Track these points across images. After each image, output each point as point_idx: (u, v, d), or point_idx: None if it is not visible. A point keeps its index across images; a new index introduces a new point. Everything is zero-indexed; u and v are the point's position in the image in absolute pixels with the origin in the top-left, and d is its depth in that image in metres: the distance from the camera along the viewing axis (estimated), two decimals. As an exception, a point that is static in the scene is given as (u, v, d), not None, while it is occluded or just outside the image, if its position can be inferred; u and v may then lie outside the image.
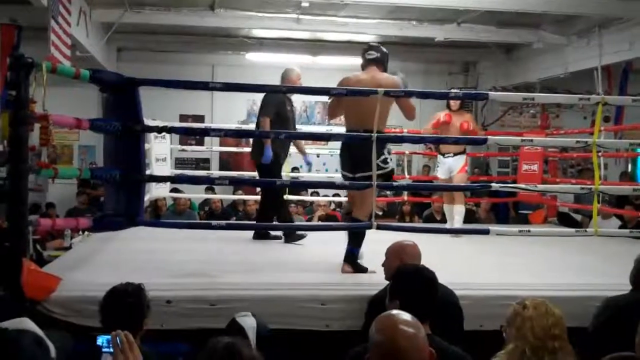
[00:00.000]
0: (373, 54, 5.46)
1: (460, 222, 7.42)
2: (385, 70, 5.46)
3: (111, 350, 2.43)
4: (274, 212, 6.68)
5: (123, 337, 2.33)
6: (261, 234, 6.58)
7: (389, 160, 5.18)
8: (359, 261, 5.06)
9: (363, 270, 4.99)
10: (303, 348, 4.10)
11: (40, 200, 10.93)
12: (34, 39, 7.68)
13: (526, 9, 9.35)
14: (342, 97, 5.27)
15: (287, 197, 9.47)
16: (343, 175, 5.37)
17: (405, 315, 2.25)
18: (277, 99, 6.54)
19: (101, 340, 2.72)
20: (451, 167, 7.55)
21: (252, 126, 8.03)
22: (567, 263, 5.77)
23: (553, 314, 2.79)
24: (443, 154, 7.66)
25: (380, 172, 5.00)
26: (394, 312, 2.31)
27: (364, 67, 5.48)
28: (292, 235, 6.42)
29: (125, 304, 3.20)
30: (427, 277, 3.04)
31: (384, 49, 5.54)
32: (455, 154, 7.52)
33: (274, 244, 6.44)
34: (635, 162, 13.98)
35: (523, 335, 2.75)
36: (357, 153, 5.15)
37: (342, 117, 5.49)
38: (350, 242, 5.11)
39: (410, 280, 3.02)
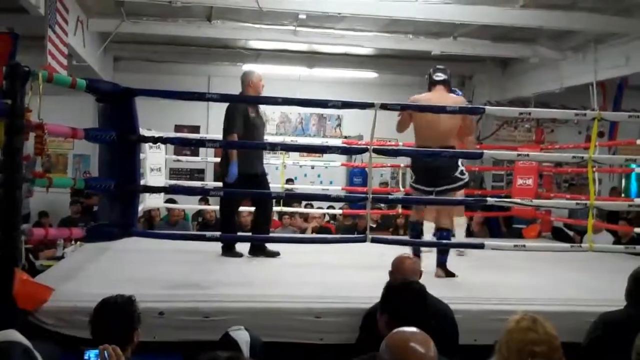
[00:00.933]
0: (441, 76, 5.84)
1: (463, 236, 7.19)
2: (450, 89, 5.88)
3: None
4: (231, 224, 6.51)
5: (111, 352, 2.32)
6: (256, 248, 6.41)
7: (465, 171, 5.74)
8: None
9: (452, 275, 5.48)
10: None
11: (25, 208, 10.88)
12: (30, 47, 7.67)
13: (522, 23, 9.38)
14: (414, 114, 5.65)
15: (281, 208, 9.50)
16: (417, 189, 5.81)
17: (417, 334, 2.23)
18: (241, 110, 6.25)
19: (88, 354, 2.68)
20: None
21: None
22: (561, 278, 5.76)
23: (537, 330, 2.69)
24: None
25: (460, 183, 5.62)
26: (406, 329, 2.28)
27: (430, 87, 5.84)
28: (262, 249, 6.33)
29: (115, 316, 3.13)
30: (415, 291, 3.01)
31: (448, 70, 5.93)
32: None
33: (264, 258, 6.34)
34: (629, 178, 14.02)
35: (499, 349, 2.73)
36: (434, 168, 5.59)
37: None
38: (439, 252, 5.61)
39: (398, 294, 3.00)
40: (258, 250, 6.33)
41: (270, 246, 6.39)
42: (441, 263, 5.56)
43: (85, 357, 2.65)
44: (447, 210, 5.87)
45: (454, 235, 6.18)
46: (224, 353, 2.17)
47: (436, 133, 5.57)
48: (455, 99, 5.76)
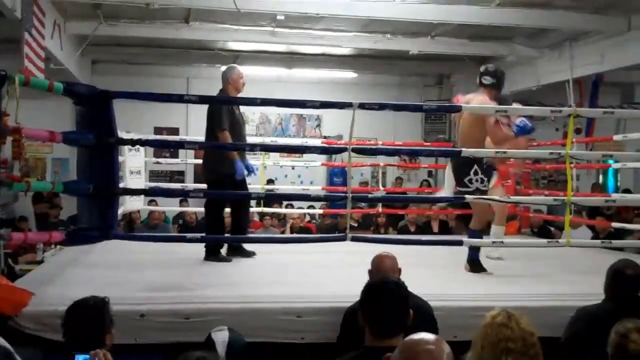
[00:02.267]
0: (488, 80, 5.82)
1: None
2: (499, 91, 5.89)
3: None
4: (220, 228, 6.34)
5: (102, 357, 2.32)
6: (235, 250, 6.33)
7: (474, 180, 5.59)
8: None
9: (483, 270, 5.65)
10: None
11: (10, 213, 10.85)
12: (7, 51, 7.63)
13: (498, 22, 9.46)
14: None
15: (262, 209, 9.50)
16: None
17: (431, 339, 2.21)
18: (225, 107, 6.13)
19: (79, 358, 2.67)
20: None
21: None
22: (540, 273, 5.82)
23: (511, 327, 2.66)
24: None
25: (465, 189, 5.54)
26: (419, 335, 2.27)
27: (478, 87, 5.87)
28: (240, 250, 6.28)
29: (87, 318, 3.08)
30: (391, 290, 3.01)
31: (500, 72, 5.89)
32: None
33: (245, 259, 6.32)
34: (606, 174, 14.17)
35: (474, 345, 2.74)
36: (454, 170, 5.72)
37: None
38: (471, 248, 5.73)
39: (373, 293, 3.01)
40: (236, 250, 6.27)
41: (247, 246, 6.36)
42: (471, 259, 5.75)
43: None
44: (474, 212, 6.02)
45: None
46: (195, 353, 2.18)
47: (459, 134, 5.78)
48: (476, 99, 5.79)
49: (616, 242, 6.27)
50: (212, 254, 6.09)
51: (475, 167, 5.54)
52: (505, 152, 5.24)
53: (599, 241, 6.99)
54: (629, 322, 2.97)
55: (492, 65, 5.90)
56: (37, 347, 3.71)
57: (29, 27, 7.31)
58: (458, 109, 5.72)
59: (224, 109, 6.09)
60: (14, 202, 11.22)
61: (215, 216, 6.29)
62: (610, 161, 9.15)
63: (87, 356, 2.52)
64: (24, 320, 3.91)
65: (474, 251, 5.79)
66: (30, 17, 7.38)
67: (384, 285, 3.06)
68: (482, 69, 5.91)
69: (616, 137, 8.34)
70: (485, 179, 5.60)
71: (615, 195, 9.30)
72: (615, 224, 7.94)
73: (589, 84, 11.51)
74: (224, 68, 6.48)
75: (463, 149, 5.45)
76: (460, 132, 5.79)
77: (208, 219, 6.39)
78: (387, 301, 2.92)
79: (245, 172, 6.14)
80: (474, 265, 5.72)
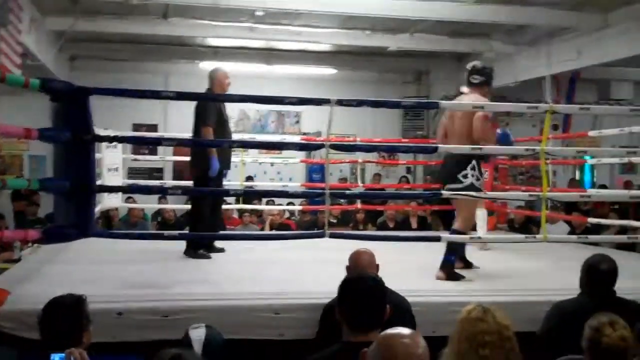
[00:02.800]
0: (477, 79, 5.65)
1: (484, 229, 7.16)
2: (490, 86, 5.73)
3: None
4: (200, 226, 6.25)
5: (77, 355, 2.31)
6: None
7: (468, 175, 5.44)
8: None
9: (458, 278, 5.24)
10: (258, 358, 4.11)
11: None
12: (-18, 47, 7.55)
13: (477, 19, 9.52)
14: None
15: (241, 206, 9.49)
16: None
17: (407, 333, 2.25)
18: (215, 105, 6.20)
19: (54, 358, 2.65)
20: None
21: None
22: (517, 268, 5.87)
23: (487, 320, 2.71)
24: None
25: (457, 185, 5.38)
26: (396, 329, 2.31)
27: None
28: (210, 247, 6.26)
29: (64, 316, 3.06)
30: (368, 286, 3.02)
31: (488, 68, 5.73)
32: None
33: (223, 256, 6.30)
34: (583, 169, 14.31)
35: (452, 339, 2.78)
36: (440, 168, 5.74)
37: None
38: (447, 251, 5.35)
39: (350, 289, 3.02)
40: (207, 247, 6.25)
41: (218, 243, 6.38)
42: (444, 263, 5.33)
43: None
44: (458, 211, 5.74)
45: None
46: (171, 350, 2.18)
47: (451, 133, 5.62)
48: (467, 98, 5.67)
49: (592, 237, 6.33)
50: (192, 250, 6.08)
51: (473, 162, 5.47)
52: (481, 149, 5.25)
53: (575, 236, 7.07)
54: (603, 316, 3.02)
55: (479, 63, 5.72)
56: (13, 346, 3.69)
57: (5, 22, 7.25)
58: (435, 106, 5.74)
59: (210, 106, 6.12)
60: None
61: (197, 212, 6.29)
62: (587, 157, 9.25)
63: (63, 355, 2.50)
64: (0, 319, 3.88)
65: (450, 255, 5.36)
66: (7, 12, 7.31)
67: (361, 281, 3.08)
68: (469, 67, 5.74)
69: (591, 133, 8.42)
70: (480, 175, 5.52)
71: (590, 191, 9.40)
72: (591, 219, 8.03)
73: (566, 80, 11.61)
74: (202, 64, 6.48)
75: (440, 145, 5.46)
76: (451, 130, 5.62)
77: (190, 215, 6.40)
78: (363, 297, 2.93)
79: (216, 173, 6.10)
80: (449, 273, 5.27)
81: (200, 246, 6.16)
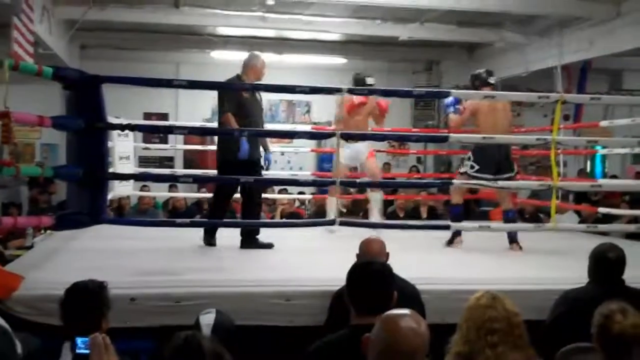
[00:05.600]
0: (476, 84, 6.26)
1: (377, 214, 7.44)
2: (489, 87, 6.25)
3: (87, 351, 2.43)
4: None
5: (100, 340, 2.34)
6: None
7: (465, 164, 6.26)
8: None
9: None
10: (268, 344, 4.14)
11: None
12: (-5, 36, 7.61)
13: (487, 8, 9.49)
14: (478, 114, 6.16)
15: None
16: (482, 178, 6.07)
17: (409, 313, 2.30)
18: (234, 92, 6.04)
19: (79, 341, 2.69)
20: (358, 152, 7.04)
21: (216, 124, 7.36)
22: (526, 257, 5.88)
23: (495, 307, 2.74)
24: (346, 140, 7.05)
25: (514, 172, 6.24)
26: (398, 310, 2.35)
27: (481, 88, 6.22)
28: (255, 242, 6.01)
29: (86, 300, 3.12)
30: (375, 271, 3.06)
31: (480, 74, 6.33)
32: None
33: (234, 243, 6.30)
34: (594, 160, 14.26)
35: (460, 326, 2.80)
36: (499, 160, 6.12)
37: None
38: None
39: (358, 273, 3.07)
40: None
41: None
42: (512, 238, 6.14)
43: (76, 344, 2.64)
44: (505, 196, 6.49)
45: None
46: (185, 333, 2.22)
47: (501, 128, 6.06)
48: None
49: (602, 227, 6.34)
50: (250, 241, 5.90)
51: (470, 153, 5.91)
52: (493, 138, 5.27)
53: (584, 225, 7.06)
54: (612, 303, 3.02)
55: (475, 71, 6.41)
56: (33, 333, 3.73)
57: (17, 12, 7.28)
58: (446, 95, 5.76)
59: (228, 92, 6.00)
60: (17, 186, 11.27)
61: (217, 201, 6.22)
62: (598, 147, 9.22)
63: (87, 339, 2.54)
64: (14, 304, 3.93)
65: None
66: (20, 1, 7.35)
67: (369, 266, 3.12)
68: (483, 72, 6.31)
69: (603, 124, 8.40)
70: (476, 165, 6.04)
71: (601, 181, 9.38)
72: (602, 209, 8.01)
73: (577, 70, 11.56)
74: (214, 53, 6.48)
75: (451, 134, 5.49)
76: (500, 125, 6.12)
77: (211, 204, 6.32)
78: (371, 281, 2.97)
79: (247, 156, 5.93)
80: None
81: (255, 235, 5.98)
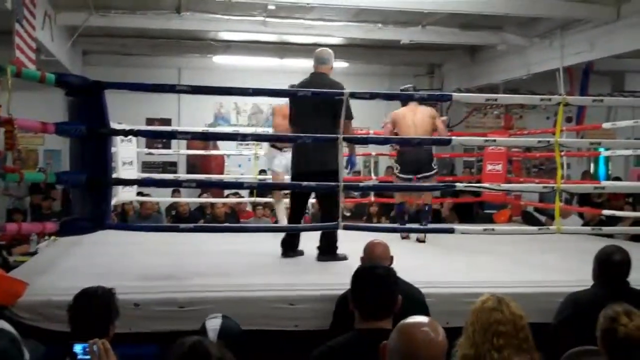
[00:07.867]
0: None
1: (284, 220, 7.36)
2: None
3: (87, 357, 2.43)
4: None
5: (100, 345, 2.34)
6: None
7: (436, 162, 7.02)
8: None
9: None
10: (273, 348, 4.14)
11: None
12: (-2, 42, 7.62)
13: (489, 11, 9.49)
14: (397, 124, 6.91)
15: (254, 199, 9.52)
16: (402, 179, 6.90)
17: (426, 321, 2.28)
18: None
19: (77, 347, 2.69)
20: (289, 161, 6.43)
21: (219, 129, 7.38)
22: (531, 260, 5.86)
23: (502, 310, 2.73)
24: (280, 149, 7.25)
25: (434, 172, 6.87)
26: (416, 318, 2.33)
27: (404, 104, 6.94)
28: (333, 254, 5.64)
29: (94, 306, 3.13)
30: (378, 275, 3.06)
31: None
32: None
33: (238, 248, 6.27)
34: (597, 162, 14.25)
35: (466, 329, 2.79)
36: (416, 160, 6.80)
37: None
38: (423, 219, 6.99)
39: (363, 277, 3.07)
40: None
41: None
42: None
43: (75, 350, 2.64)
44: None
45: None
46: (191, 338, 2.22)
47: (421, 130, 6.61)
48: (425, 110, 6.85)
49: (606, 229, 6.32)
50: (328, 253, 5.60)
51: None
52: (494, 141, 5.27)
53: (589, 228, 7.05)
54: (618, 306, 3.01)
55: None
56: (38, 339, 3.73)
57: (20, 18, 7.30)
58: (448, 98, 5.76)
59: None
60: (25, 197, 11.32)
61: (296, 209, 5.97)
62: (601, 149, 9.21)
63: (86, 345, 2.53)
64: (19, 310, 3.93)
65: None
66: (21, 8, 7.37)
67: (373, 270, 3.13)
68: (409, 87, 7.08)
69: (605, 125, 8.40)
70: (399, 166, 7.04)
71: (604, 183, 9.37)
72: (605, 212, 8.00)
73: (579, 72, 11.56)
74: (216, 58, 6.46)
75: (454, 137, 5.49)
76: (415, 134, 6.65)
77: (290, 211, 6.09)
78: (375, 285, 2.98)
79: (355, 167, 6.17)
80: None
81: (335, 247, 5.62)
